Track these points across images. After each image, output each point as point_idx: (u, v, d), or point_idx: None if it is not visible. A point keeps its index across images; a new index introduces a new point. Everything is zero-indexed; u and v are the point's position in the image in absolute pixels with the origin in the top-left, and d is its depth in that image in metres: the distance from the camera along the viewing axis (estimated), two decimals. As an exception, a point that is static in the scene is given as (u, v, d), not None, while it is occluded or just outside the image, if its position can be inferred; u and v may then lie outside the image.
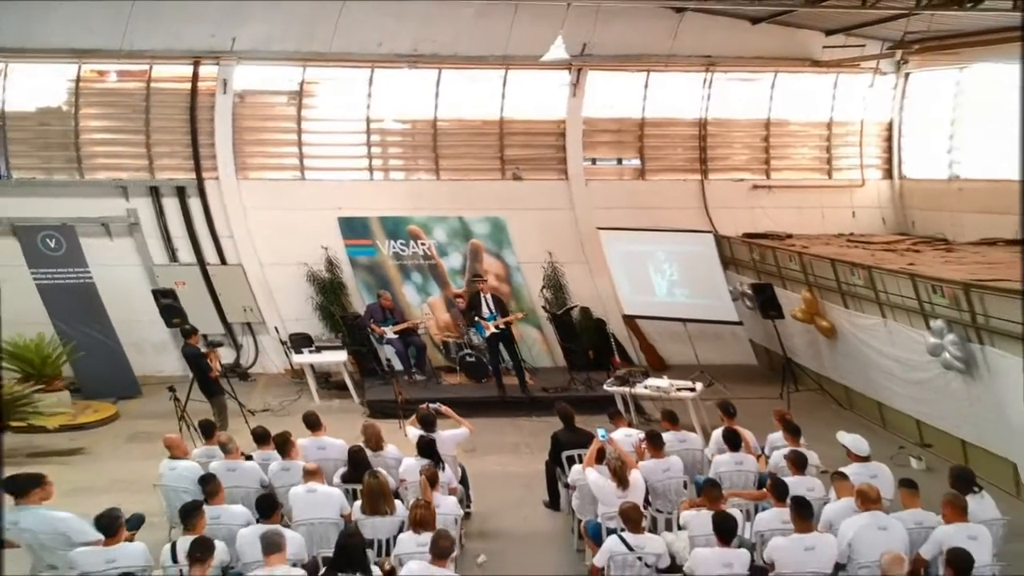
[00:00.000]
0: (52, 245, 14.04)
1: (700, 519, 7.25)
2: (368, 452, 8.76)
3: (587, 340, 15.80)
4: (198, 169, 15.59)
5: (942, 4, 12.34)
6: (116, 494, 7.27)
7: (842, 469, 8.07)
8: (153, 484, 8.44)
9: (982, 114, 15.40)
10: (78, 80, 15.19)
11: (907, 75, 17.25)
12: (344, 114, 16.35)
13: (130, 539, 6.92)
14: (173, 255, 15.60)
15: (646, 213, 16.27)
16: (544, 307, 15.71)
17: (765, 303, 14.12)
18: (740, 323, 15.58)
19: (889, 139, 17.75)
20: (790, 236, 16.24)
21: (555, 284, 16.18)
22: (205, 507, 7.21)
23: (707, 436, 9.90)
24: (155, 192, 15.52)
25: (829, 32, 16.73)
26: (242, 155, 15.95)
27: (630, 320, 16.55)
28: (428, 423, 9.25)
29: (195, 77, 15.47)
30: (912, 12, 12.66)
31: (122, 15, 14.56)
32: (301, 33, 15.44)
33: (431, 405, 9.75)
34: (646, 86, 16.89)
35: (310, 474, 7.98)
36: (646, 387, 12.19)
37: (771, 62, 17.06)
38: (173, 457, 8.43)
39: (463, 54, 16.02)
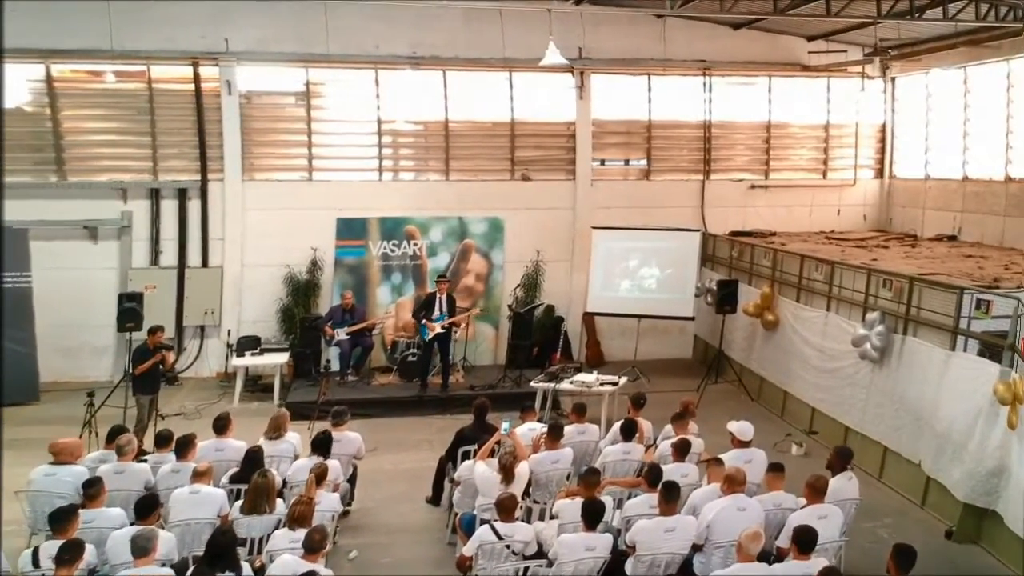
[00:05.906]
0: None
1: (572, 507, 7.22)
2: (266, 441, 8.92)
3: (539, 337, 15.70)
4: (204, 170, 15.60)
5: (899, 14, 12.75)
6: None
7: (722, 455, 8.06)
8: (15, 492, 7.95)
9: (946, 116, 16.21)
10: (48, 80, 15.01)
11: (893, 79, 17.66)
12: (355, 115, 16.31)
13: None
14: (156, 258, 15.56)
15: (645, 212, 16.57)
16: (509, 305, 15.66)
17: (724, 298, 14.28)
18: (692, 319, 15.70)
19: (882, 140, 18.10)
20: (774, 233, 16.60)
21: (531, 283, 16.17)
22: (82, 511, 7.08)
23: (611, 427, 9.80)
24: (155, 194, 15.50)
25: (810, 38, 17.03)
26: (251, 156, 15.91)
27: (587, 317, 16.56)
28: (338, 415, 9.44)
29: (196, 78, 15.45)
30: (876, 20, 13.07)
31: (99, 16, 14.64)
32: (294, 36, 15.53)
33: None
34: (649, 89, 17.06)
35: (199, 475, 7.91)
36: (571, 383, 12.12)
37: (764, 67, 17.33)
38: (57, 463, 8.14)
39: (463, 56, 16.09)
